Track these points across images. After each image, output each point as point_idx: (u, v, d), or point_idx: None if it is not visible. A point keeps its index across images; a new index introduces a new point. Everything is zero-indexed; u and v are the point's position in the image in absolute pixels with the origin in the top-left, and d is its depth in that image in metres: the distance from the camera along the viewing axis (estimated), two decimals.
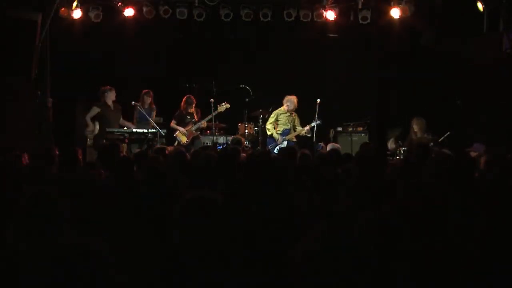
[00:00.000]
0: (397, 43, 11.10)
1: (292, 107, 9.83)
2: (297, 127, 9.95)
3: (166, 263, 2.29)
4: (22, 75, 9.11)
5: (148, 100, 9.81)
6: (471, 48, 10.23)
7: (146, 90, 9.85)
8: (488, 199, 3.35)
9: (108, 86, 9.42)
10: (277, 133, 9.88)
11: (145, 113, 9.47)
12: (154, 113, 9.87)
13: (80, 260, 1.70)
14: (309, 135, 9.75)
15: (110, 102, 9.43)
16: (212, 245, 2.29)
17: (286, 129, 9.87)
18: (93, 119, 9.41)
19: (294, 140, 9.83)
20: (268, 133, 9.98)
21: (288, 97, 9.86)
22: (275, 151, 9.52)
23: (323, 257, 1.72)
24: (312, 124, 9.61)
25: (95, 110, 9.36)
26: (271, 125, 9.93)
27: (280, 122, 9.95)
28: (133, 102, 9.59)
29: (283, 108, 9.93)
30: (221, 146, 9.57)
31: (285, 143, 9.74)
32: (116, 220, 3.23)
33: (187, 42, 11.26)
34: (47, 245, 1.75)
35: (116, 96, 9.50)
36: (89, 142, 9.59)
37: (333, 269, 1.70)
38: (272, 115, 9.99)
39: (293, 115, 9.93)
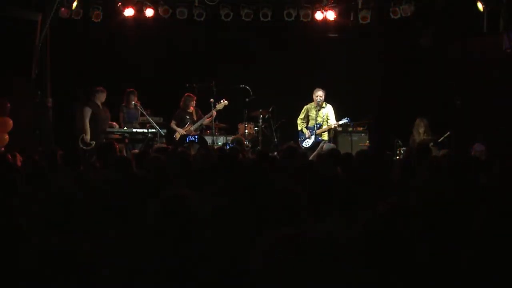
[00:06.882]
0: (397, 43, 11.10)
1: (320, 99, 9.66)
2: (329, 121, 9.80)
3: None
4: (22, 75, 9.11)
5: (134, 99, 9.51)
6: (471, 48, 10.23)
7: (131, 89, 9.62)
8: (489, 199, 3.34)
9: (101, 87, 9.19)
10: (306, 128, 9.88)
11: (146, 114, 9.41)
12: (139, 113, 9.63)
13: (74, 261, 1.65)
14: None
15: (99, 103, 9.18)
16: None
17: (316, 124, 9.72)
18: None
19: (325, 137, 9.76)
20: (298, 128, 10.01)
21: (315, 91, 9.76)
22: (304, 144, 9.69)
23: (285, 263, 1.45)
24: (340, 122, 9.70)
25: (88, 111, 9.02)
26: (301, 120, 9.95)
27: (310, 118, 9.89)
28: (133, 102, 9.56)
29: (313, 102, 9.83)
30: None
31: (313, 137, 9.73)
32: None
33: (187, 42, 11.26)
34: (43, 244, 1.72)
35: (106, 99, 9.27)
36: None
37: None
38: (302, 110, 9.97)
39: (324, 108, 9.74)
